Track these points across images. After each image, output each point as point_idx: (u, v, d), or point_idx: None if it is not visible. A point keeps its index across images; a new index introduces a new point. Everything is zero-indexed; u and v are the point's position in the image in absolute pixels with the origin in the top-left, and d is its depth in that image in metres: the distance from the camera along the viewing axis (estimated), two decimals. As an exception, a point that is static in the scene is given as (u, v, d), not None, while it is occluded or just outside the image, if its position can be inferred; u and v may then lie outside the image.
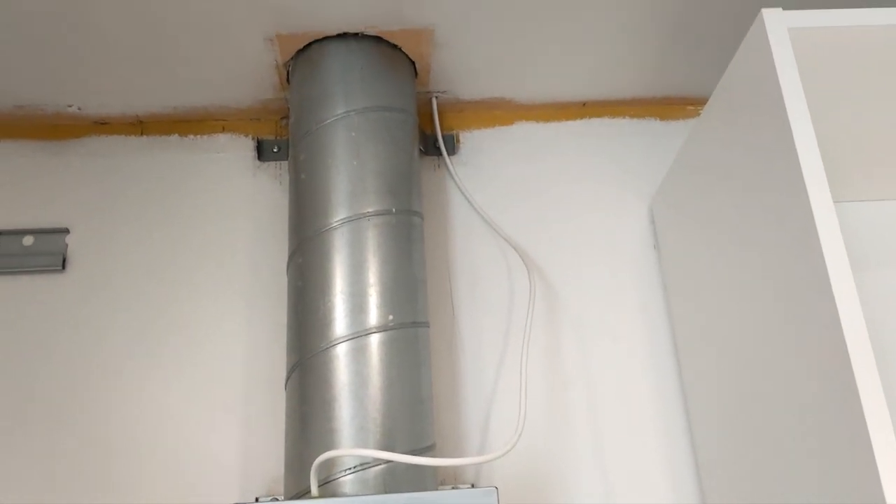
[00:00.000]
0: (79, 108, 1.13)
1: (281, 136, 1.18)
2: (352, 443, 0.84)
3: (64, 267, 1.07)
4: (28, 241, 1.08)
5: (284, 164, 1.16)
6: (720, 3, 1.01)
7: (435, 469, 0.90)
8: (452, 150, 1.18)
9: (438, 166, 1.18)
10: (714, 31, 1.07)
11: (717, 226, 0.91)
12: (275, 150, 1.17)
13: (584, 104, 1.22)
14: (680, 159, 1.02)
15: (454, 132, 1.20)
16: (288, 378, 0.92)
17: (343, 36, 1.02)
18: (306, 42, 1.03)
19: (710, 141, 0.92)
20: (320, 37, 1.02)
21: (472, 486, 0.98)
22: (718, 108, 0.89)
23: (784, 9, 0.77)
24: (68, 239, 1.09)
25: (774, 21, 0.75)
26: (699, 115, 1.19)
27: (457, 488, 0.96)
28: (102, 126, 1.16)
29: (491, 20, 1.02)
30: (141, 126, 1.17)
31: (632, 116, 1.22)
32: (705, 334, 0.97)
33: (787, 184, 0.72)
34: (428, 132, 1.18)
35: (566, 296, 1.10)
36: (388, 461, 0.82)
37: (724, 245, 0.89)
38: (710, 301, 0.95)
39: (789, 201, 0.72)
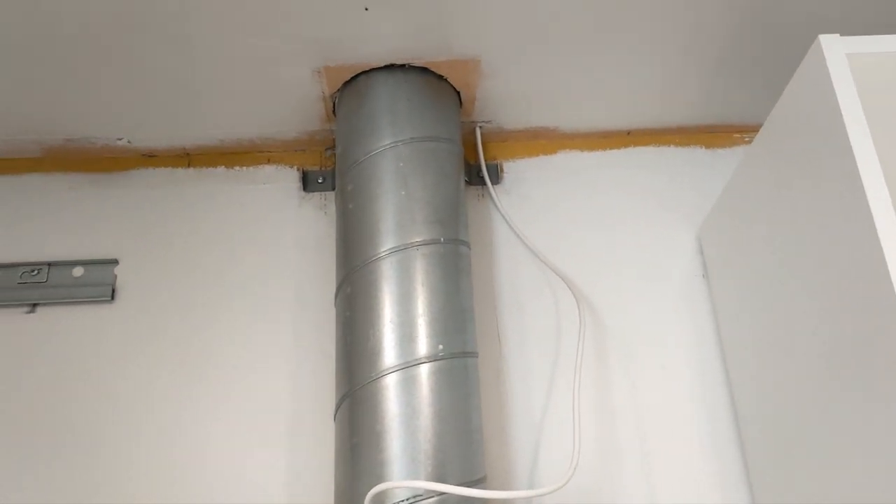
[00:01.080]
0: (128, 141, 1.15)
1: (326, 167, 1.19)
2: (403, 475, 0.83)
3: (113, 297, 1.08)
4: (78, 272, 1.09)
5: (329, 194, 1.16)
6: (768, 31, 1.01)
7: (486, 501, 0.88)
8: (496, 179, 1.18)
9: (482, 196, 1.18)
10: (761, 60, 1.06)
11: (773, 253, 0.89)
12: (320, 180, 1.17)
13: (628, 133, 1.21)
14: (731, 186, 1.01)
15: (498, 161, 1.20)
16: (337, 409, 0.91)
17: (389, 67, 1.03)
18: (353, 74, 1.04)
19: (764, 168, 0.91)
20: (367, 68, 1.03)
21: (523, 519, 0.96)
22: (773, 135, 0.88)
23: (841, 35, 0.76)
24: (117, 270, 1.10)
25: (832, 47, 0.74)
26: (746, 143, 1.19)
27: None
28: (150, 158, 1.18)
29: (536, 50, 1.02)
30: (188, 158, 1.18)
31: (677, 145, 1.21)
32: (760, 364, 0.95)
33: (850, 210, 0.70)
34: (472, 162, 1.18)
35: (613, 326, 1.08)
36: (440, 494, 0.81)
37: (781, 273, 0.87)
38: (764, 330, 0.93)
39: (852, 228, 0.70)
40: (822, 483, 0.81)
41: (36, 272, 1.09)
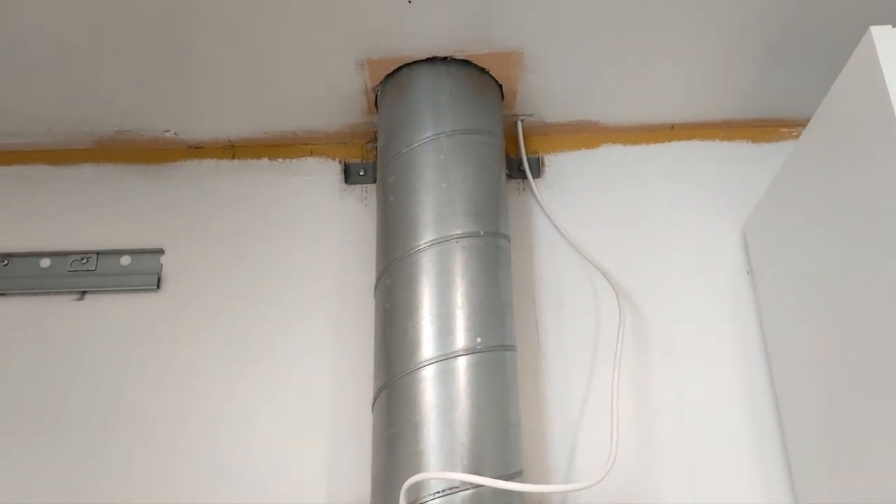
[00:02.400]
0: (175, 133, 1.17)
1: (367, 160, 1.19)
2: (440, 466, 0.83)
3: (159, 286, 1.11)
4: (126, 261, 1.12)
5: (370, 186, 1.17)
6: (817, 23, 0.99)
7: (522, 496, 0.88)
8: (537, 172, 1.18)
9: (523, 189, 1.17)
10: (809, 53, 1.04)
11: (821, 250, 0.87)
12: (361, 173, 1.18)
13: (672, 126, 1.20)
14: (778, 181, 0.99)
15: (539, 155, 1.19)
16: (375, 399, 0.92)
17: (432, 60, 1.04)
18: (396, 66, 1.04)
19: (812, 162, 0.89)
20: (409, 61, 1.04)
21: (560, 514, 0.96)
22: (822, 129, 0.86)
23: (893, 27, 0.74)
24: (163, 259, 1.12)
25: (885, 38, 0.72)
26: (793, 137, 1.17)
27: (543, 517, 0.95)
28: (196, 150, 1.20)
29: (580, 42, 1.01)
30: (233, 150, 1.20)
31: (722, 139, 1.19)
32: (805, 362, 0.93)
33: (900, 206, 0.69)
34: (512, 155, 1.18)
35: (655, 321, 1.07)
36: (476, 486, 0.81)
37: (828, 270, 0.85)
38: (810, 328, 0.91)
39: (903, 224, 0.69)
40: (867, 484, 0.79)
41: (85, 260, 1.12)
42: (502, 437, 0.87)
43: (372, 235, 1.08)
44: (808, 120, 0.89)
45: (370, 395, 0.98)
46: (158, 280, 1.11)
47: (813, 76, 1.06)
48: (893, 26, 0.74)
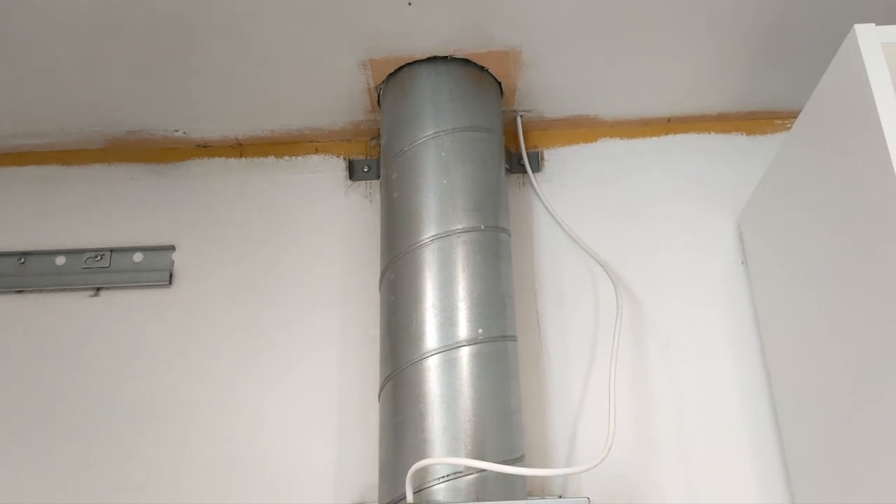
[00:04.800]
0: (184, 133, 1.20)
1: (371, 156, 1.22)
2: (444, 452, 0.86)
3: (171, 282, 1.14)
4: (138, 257, 1.15)
5: (374, 182, 1.20)
6: (808, 19, 1.01)
7: (524, 480, 0.91)
8: (537, 167, 1.20)
9: (523, 184, 1.20)
10: (801, 47, 1.07)
11: (811, 240, 0.90)
12: (365, 169, 1.21)
13: (668, 120, 1.22)
14: (770, 174, 1.02)
15: (538, 150, 1.22)
16: (381, 389, 0.95)
17: (432, 59, 1.06)
18: (398, 66, 1.07)
19: (801, 156, 0.92)
20: (411, 60, 1.07)
21: (560, 497, 0.99)
22: (810, 123, 0.89)
23: (877, 24, 0.76)
24: (174, 256, 1.16)
25: (867, 36, 0.75)
26: (787, 129, 1.20)
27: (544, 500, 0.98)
28: (204, 149, 1.24)
29: (577, 39, 1.04)
30: (240, 148, 1.23)
31: (718, 132, 1.22)
32: (798, 351, 0.96)
33: (882, 198, 0.71)
34: (512, 150, 1.21)
35: (652, 311, 1.10)
36: (479, 470, 0.85)
37: (818, 259, 0.88)
38: (804, 318, 0.94)
39: (885, 215, 0.71)
40: (861, 471, 0.82)
41: (99, 258, 1.15)
42: (504, 424, 0.90)
43: (376, 230, 1.12)
44: (800, 112, 0.92)
45: (376, 386, 1.02)
46: (170, 276, 1.14)
47: (805, 69, 1.08)
48: (877, 24, 0.77)
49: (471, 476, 0.85)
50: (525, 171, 1.19)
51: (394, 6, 0.96)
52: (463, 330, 0.92)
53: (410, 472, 0.82)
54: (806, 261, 0.92)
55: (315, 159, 1.23)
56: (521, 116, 1.20)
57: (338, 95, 1.13)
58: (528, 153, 1.20)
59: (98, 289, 1.14)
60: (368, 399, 1.05)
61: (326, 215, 1.18)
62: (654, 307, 1.11)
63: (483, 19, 0.99)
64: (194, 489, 1.03)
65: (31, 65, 1.03)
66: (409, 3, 0.95)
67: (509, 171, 1.19)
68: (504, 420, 0.91)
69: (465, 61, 1.07)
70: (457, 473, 0.85)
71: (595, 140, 1.23)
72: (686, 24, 1.02)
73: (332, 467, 1.03)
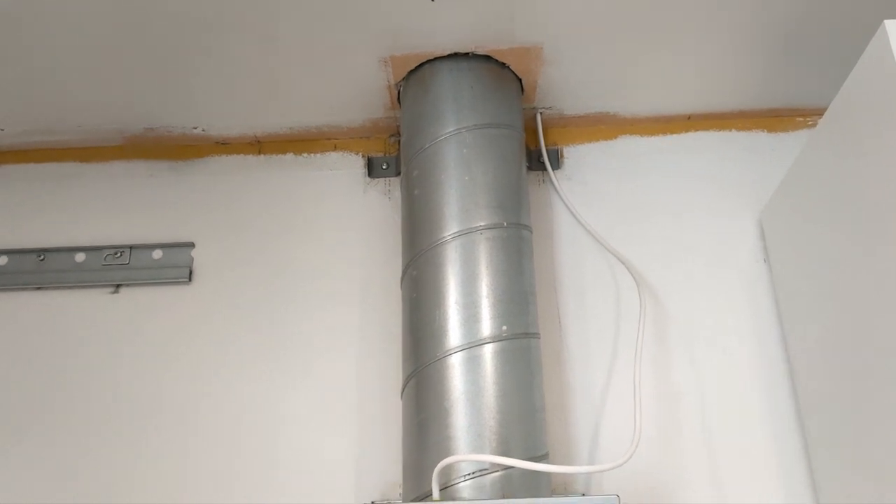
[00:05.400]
0: (202, 130, 1.20)
1: (390, 154, 1.22)
2: (469, 450, 0.86)
3: (190, 279, 1.14)
4: (158, 254, 1.15)
5: (393, 180, 1.20)
6: (832, 14, 1.00)
7: (549, 477, 0.91)
8: (557, 164, 1.20)
9: (543, 181, 1.20)
10: (825, 44, 1.06)
11: (835, 238, 0.89)
12: (384, 166, 1.21)
13: (689, 117, 1.22)
14: (794, 171, 1.01)
15: (558, 147, 1.22)
16: (404, 387, 0.95)
17: (454, 56, 1.06)
18: (418, 62, 1.07)
19: (828, 152, 0.91)
20: (432, 57, 1.06)
21: (583, 495, 0.99)
22: (836, 120, 0.88)
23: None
24: (194, 252, 1.16)
25: (898, 31, 0.74)
26: (809, 127, 1.19)
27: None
28: (223, 146, 1.23)
29: (598, 36, 1.03)
30: (259, 146, 1.23)
31: (739, 129, 1.21)
32: (822, 349, 0.95)
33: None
34: (532, 147, 1.20)
35: (674, 309, 1.10)
36: (505, 467, 0.84)
37: (845, 258, 0.87)
38: (827, 316, 0.93)
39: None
40: (883, 468, 0.81)
41: (119, 254, 1.15)
42: (529, 421, 0.90)
43: (395, 227, 1.11)
44: (824, 109, 0.91)
45: (396, 383, 1.02)
46: (190, 273, 1.14)
47: (828, 66, 1.08)
48: (908, 20, 0.76)
49: (496, 473, 0.85)
50: (545, 169, 1.18)
51: (417, 3, 0.96)
52: (486, 327, 0.92)
53: (437, 469, 0.81)
54: (830, 259, 0.92)
55: (334, 156, 1.23)
56: (541, 113, 1.20)
57: (357, 93, 1.13)
58: (547, 150, 1.19)
59: (118, 285, 1.14)
60: (388, 396, 1.04)
61: (345, 212, 1.18)
62: (675, 305, 1.10)
63: (505, 15, 0.99)
64: (214, 486, 1.02)
65: (52, 63, 1.03)
66: (433, 0, 0.95)
67: (529, 168, 1.18)
68: (528, 417, 0.90)
69: (487, 58, 1.07)
70: (482, 471, 0.85)
71: (615, 137, 1.22)
72: (707, 22, 1.02)
73: (352, 465, 1.03)
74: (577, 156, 1.21)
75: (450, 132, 1.02)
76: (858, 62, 0.82)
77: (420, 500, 0.86)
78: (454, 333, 0.92)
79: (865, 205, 0.82)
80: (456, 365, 0.90)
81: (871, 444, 0.83)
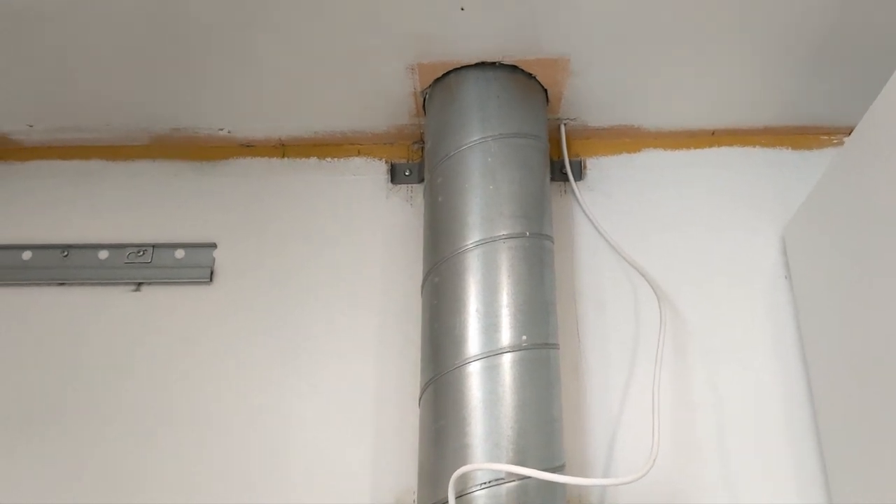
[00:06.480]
0: (228, 132, 1.21)
1: (413, 160, 1.23)
2: (486, 459, 0.86)
3: (211, 279, 1.15)
4: (180, 254, 1.16)
5: (415, 186, 1.20)
6: (861, 32, 1.00)
7: (565, 489, 0.91)
8: (579, 175, 1.20)
9: (565, 192, 1.20)
10: (853, 62, 1.06)
11: (861, 258, 0.89)
12: (407, 173, 1.21)
13: (713, 132, 1.22)
14: (819, 188, 1.01)
15: (581, 158, 1.22)
16: (422, 394, 0.95)
17: (480, 65, 1.06)
18: (445, 70, 1.07)
19: (855, 171, 0.91)
20: (459, 65, 1.07)
21: (599, 508, 0.99)
22: (865, 139, 0.88)
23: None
24: (216, 253, 1.16)
25: (932, 51, 0.74)
26: (834, 145, 1.18)
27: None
28: (248, 148, 1.24)
29: (625, 49, 1.04)
30: (283, 149, 1.24)
31: (763, 146, 1.21)
32: (842, 367, 0.95)
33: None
34: (555, 158, 1.20)
35: (694, 323, 1.10)
36: (522, 477, 0.84)
37: (868, 278, 0.87)
38: (848, 334, 0.93)
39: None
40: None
41: (141, 253, 1.16)
42: (546, 432, 0.90)
43: (417, 233, 1.11)
44: (850, 128, 0.91)
45: (414, 390, 1.02)
46: (211, 273, 1.15)
47: (854, 84, 1.08)
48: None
49: (512, 483, 0.85)
50: (567, 180, 1.19)
51: (445, 11, 0.96)
52: (506, 336, 0.92)
53: (454, 477, 0.81)
54: (852, 277, 0.91)
55: (357, 161, 1.23)
56: (566, 125, 1.20)
57: (383, 99, 1.14)
58: (570, 161, 1.19)
59: (139, 284, 1.15)
60: (406, 402, 1.04)
61: (367, 217, 1.18)
62: (695, 319, 1.10)
63: (533, 26, 0.99)
64: (226, 487, 1.03)
65: (82, 62, 1.04)
66: (462, 9, 0.95)
67: (551, 178, 1.18)
68: (546, 428, 0.90)
69: (513, 68, 1.07)
70: (498, 480, 0.85)
71: (638, 150, 1.22)
72: (734, 37, 1.02)
73: (368, 469, 1.03)
74: (600, 168, 1.21)
75: (475, 140, 1.02)
76: (888, 82, 0.81)
77: (436, 508, 0.86)
78: (474, 342, 0.92)
79: (891, 225, 0.82)
80: (475, 373, 0.90)
81: (891, 466, 0.83)
